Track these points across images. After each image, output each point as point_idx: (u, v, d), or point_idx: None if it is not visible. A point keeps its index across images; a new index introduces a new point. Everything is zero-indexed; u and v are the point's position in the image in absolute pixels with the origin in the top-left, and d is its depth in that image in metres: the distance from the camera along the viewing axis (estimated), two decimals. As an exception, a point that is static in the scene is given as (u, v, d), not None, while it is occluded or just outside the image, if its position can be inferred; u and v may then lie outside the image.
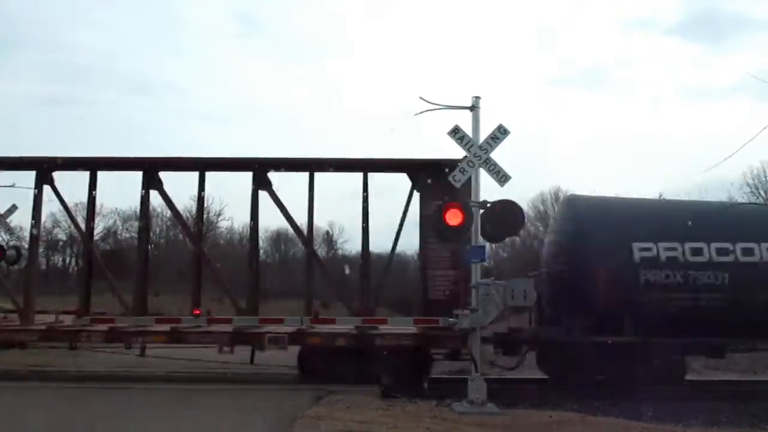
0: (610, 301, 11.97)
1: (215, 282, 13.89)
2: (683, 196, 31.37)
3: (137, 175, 13.33)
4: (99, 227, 47.88)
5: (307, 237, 13.74)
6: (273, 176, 13.20)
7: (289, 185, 13.89)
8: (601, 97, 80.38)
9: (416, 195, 12.81)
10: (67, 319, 13.23)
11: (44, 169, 13.11)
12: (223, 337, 12.01)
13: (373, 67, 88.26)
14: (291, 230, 14.07)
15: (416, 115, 10.53)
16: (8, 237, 16.38)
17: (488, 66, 79.71)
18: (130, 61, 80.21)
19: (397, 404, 9.79)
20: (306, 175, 13.18)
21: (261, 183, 13.08)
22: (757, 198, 35.45)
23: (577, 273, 12.35)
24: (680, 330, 11.60)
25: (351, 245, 51.38)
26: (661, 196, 33.64)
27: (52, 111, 76.68)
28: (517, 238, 35.20)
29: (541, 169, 60.75)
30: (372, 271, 13.28)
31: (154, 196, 13.33)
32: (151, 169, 13.22)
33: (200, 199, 13.71)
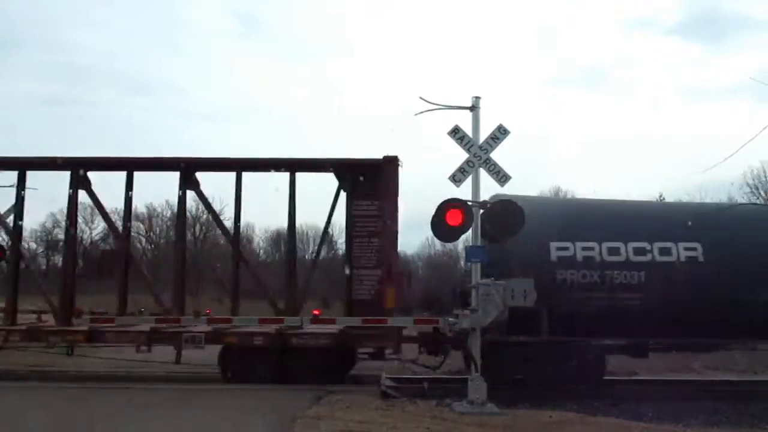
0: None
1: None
2: (683, 197, 31.48)
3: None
4: (99, 227, 48.14)
5: (233, 237, 13.77)
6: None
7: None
8: (601, 97, 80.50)
9: (343, 194, 12.84)
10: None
11: (79, 169, 13.08)
12: (140, 337, 12.09)
13: (373, 67, 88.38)
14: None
15: (416, 115, 10.55)
16: (8, 237, 16.36)
17: (488, 66, 79.83)
18: (130, 61, 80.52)
19: (397, 404, 9.80)
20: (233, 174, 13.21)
21: (188, 183, 13.07)
22: (758, 198, 35.43)
23: (496, 272, 12.36)
24: (599, 329, 11.60)
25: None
26: (661, 196, 33.76)
27: (52, 111, 76.86)
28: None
29: (541, 169, 60.78)
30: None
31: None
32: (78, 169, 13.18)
33: (127, 200, 13.42)
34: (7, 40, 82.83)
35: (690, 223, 12.79)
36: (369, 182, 12.49)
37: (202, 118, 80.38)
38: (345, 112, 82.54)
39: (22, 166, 13.27)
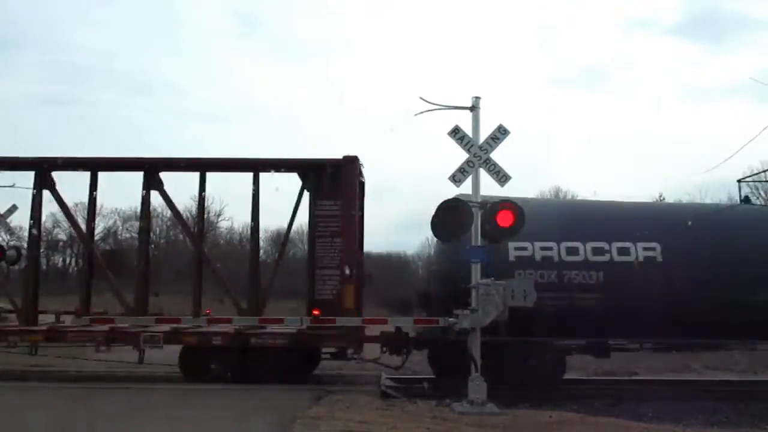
0: None
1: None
2: (683, 197, 31.48)
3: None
4: (99, 227, 48.13)
5: (197, 238, 13.76)
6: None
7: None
8: (601, 97, 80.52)
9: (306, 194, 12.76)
10: (68, 319, 13.27)
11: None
12: (99, 336, 12.11)
13: (373, 67, 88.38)
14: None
15: (416, 115, 10.55)
16: (8, 237, 16.38)
17: (488, 66, 79.86)
18: (130, 61, 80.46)
19: (397, 404, 9.81)
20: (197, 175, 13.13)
21: (152, 183, 13.01)
22: (758, 198, 35.41)
23: (455, 272, 12.20)
24: (558, 329, 11.60)
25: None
26: (661, 196, 33.77)
27: (52, 111, 76.90)
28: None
29: (541, 169, 60.83)
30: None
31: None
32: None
33: (91, 200, 13.35)
34: (7, 40, 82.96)
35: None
36: (331, 182, 12.51)
37: (202, 118, 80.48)
38: (345, 112, 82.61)
39: None
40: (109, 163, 13.41)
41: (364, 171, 13.25)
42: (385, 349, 12.42)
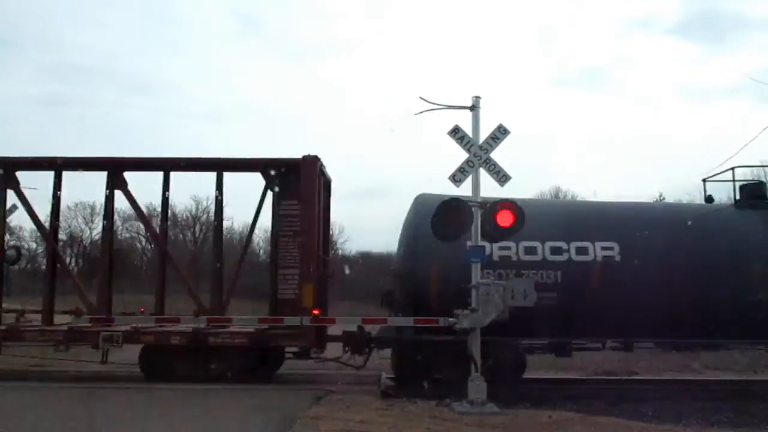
0: (444, 300, 11.80)
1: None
2: (683, 197, 31.39)
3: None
4: (98, 227, 48.13)
5: (161, 238, 13.80)
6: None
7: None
8: (601, 97, 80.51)
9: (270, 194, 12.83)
10: (67, 319, 13.27)
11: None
12: (58, 336, 12.16)
13: (373, 67, 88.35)
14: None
15: (416, 115, 10.53)
16: (8, 237, 16.39)
17: (488, 66, 79.84)
18: (130, 61, 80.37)
19: (396, 404, 9.81)
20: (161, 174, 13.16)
21: (116, 183, 13.02)
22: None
23: (414, 271, 12.29)
24: (517, 329, 11.45)
25: (351, 245, 51.58)
26: (661, 196, 33.73)
27: (52, 111, 76.85)
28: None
29: (541, 169, 60.82)
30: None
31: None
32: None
33: (56, 199, 13.24)
34: (7, 40, 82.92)
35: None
36: (293, 182, 12.56)
37: (202, 118, 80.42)
38: (345, 112, 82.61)
39: None
40: (72, 163, 13.30)
41: (328, 170, 13.41)
42: (347, 348, 12.48)
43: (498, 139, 10.24)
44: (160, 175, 13.16)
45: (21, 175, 13.29)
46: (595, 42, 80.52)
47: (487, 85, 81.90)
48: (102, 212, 13.85)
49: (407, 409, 9.51)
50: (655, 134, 70.67)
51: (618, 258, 12.02)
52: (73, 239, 47.91)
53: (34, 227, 13.86)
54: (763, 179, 13.57)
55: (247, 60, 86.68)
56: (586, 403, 10.19)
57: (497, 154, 10.24)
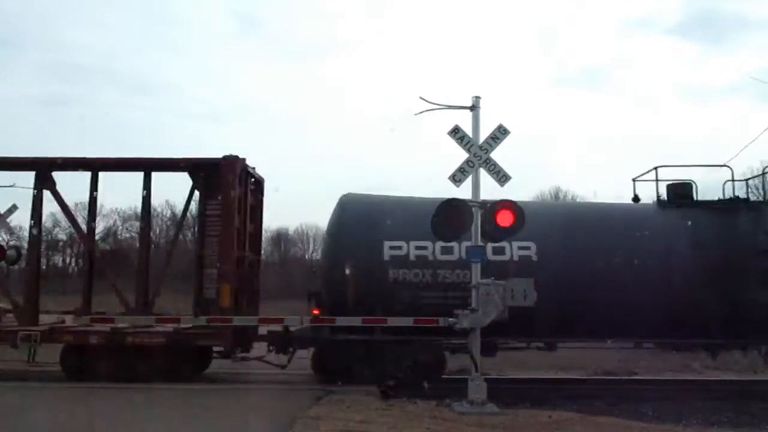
0: (362, 299, 11.93)
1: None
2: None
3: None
4: (99, 227, 48.09)
5: (88, 237, 13.77)
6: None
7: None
8: (601, 97, 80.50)
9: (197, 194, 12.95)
10: (68, 319, 13.30)
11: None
12: None
13: (373, 67, 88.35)
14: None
15: (416, 115, 10.52)
16: (8, 237, 16.40)
17: (488, 66, 79.83)
18: (130, 61, 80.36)
19: (397, 404, 9.80)
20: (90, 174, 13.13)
21: (44, 183, 13.02)
22: (757, 198, 35.32)
23: (335, 271, 12.35)
24: (440, 328, 11.52)
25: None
26: (661, 196, 33.62)
27: (52, 111, 76.85)
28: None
29: (541, 169, 60.81)
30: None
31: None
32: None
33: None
34: (7, 40, 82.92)
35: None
36: (218, 182, 12.61)
37: (202, 118, 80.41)
38: (345, 112, 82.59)
39: None
40: (3, 163, 13.25)
41: (259, 170, 13.56)
42: (271, 348, 12.52)
43: (498, 139, 10.23)
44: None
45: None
46: (595, 42, 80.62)
47: (487, 85, 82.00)
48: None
49: (407, 409, 9.51)
50: (655, 134, 70.63)
51: (535, 258, 12.02)
52: (73, 239, 47.83)
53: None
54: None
55: (247, 60, 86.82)
56: (586, 403, 10.18)
57: (497, 154, 10.24)
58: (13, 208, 14.77)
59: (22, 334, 12.00)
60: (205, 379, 12.64)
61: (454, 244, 11.95)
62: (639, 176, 13.48)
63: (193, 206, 13.67)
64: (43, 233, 14.68)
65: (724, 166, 13.26)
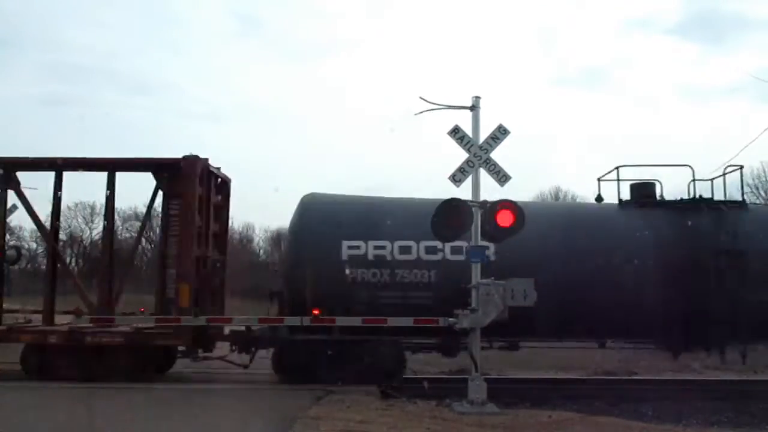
0: (320, 299, 11.95)
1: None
2: (684, 197, 31.33)
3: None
4: (99, 227, 48.10)
5: (49, 236, 13.79)
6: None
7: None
8: (601, 97, 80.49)
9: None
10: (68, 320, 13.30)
11: None
12: None
13: (373, 67, 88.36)
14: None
15: (416, 115, 10.52)
16: (8, 237, 16.38)
17: (488, 66, 79.81)
18: (130, 61, 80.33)
19: (397, 404, 9.80)
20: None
21: (9, 182, 13.03)
22: (757, 198, 35.41)
23: (294, 270, 12.41)
24: (395, 329, 11.60)
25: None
26: (660, 196, 33.62)
27: (52, 111, 76.83)
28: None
29: (541, 169, 60.81)
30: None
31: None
32: None
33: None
34: (7, 40, 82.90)
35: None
36: (180, 182, 12.66)
37: (202, 118, 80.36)
38: (345, 112, 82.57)
39: None
40: None
41: (224, 171, 13.62)
42: (234, 347, 12.57)
43: (498, 139, 10.23)
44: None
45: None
46: (595, 42, 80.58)
47: (487, 85, 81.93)
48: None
49: (407, 409, 9.51)
50: (655, 134, 70.57)
51: (494, 257, 11.89)
52: (73, 239, 47.91)
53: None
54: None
55: (247, 60, 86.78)
56: (586, 403, 10.17)
57: (497, 154, 10.25)
58: (13, 208, 14.76)
59: None
60: (205, 380, 12.64)
61: (412, 243, 12.08)
62: (603, 175, 13.44)
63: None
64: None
65: (686, 165, 13.30)
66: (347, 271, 11.96)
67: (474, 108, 10.36)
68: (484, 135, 10.29)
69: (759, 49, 70.61)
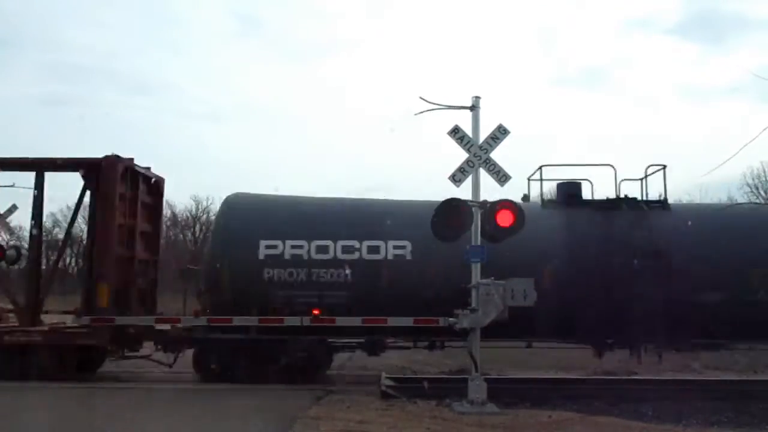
0: (239, 298, 11.98)
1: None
2: (683, 197, 31.38)
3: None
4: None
5: None
6: None
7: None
8: (601, 97, 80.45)
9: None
10: (68, 319, 13.29)
11: None
12: None
13: (373, 67, 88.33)
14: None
15: (416, 115, 10.54)
16: (8, 237, 16.40)
17: (488, 66, 79.75)
18: (130, 61, 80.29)
19: (396, 404, 9.81)
20: None
21: None
22: (757, 198, 35.39)
23: (213, 268, 12.40)
24: (315, 328, 11.65)
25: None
26: (660, 195, 33.60)
27: (52, 111, 76.83)
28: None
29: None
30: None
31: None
32: None
33: None
34: (7, 40, 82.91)
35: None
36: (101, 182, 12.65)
37: (202, 118, 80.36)
38: (345, 112, 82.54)
39: None
40: None
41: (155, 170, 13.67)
42: (158, 346, 12.61)
43: (498, 139, 10.24)
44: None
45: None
46: (595, 42, 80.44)
47: (487, 85, 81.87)
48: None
49: (407, 409, 9.51)
50: (655, 134, 70.53)
51: (409, 257, 12.05)
52: (73, 239, 47.80)
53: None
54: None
55: (247, 60, 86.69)
56: (586, 403, 10.18)
57: (497, 154, 10.26)
58: (13, 208, 14.81)
59: None
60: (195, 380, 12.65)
61: (329, 242, 12.11)
62: (531, 175, 13.33)
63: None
64: (44, 233, 14.66)
65: (608, 165, 13.17)
66: (265, 271, 12.00)
67: (474, 108, 10.37)
68: (484, 135, 10.30)
69: (759, 48, 70.56)
